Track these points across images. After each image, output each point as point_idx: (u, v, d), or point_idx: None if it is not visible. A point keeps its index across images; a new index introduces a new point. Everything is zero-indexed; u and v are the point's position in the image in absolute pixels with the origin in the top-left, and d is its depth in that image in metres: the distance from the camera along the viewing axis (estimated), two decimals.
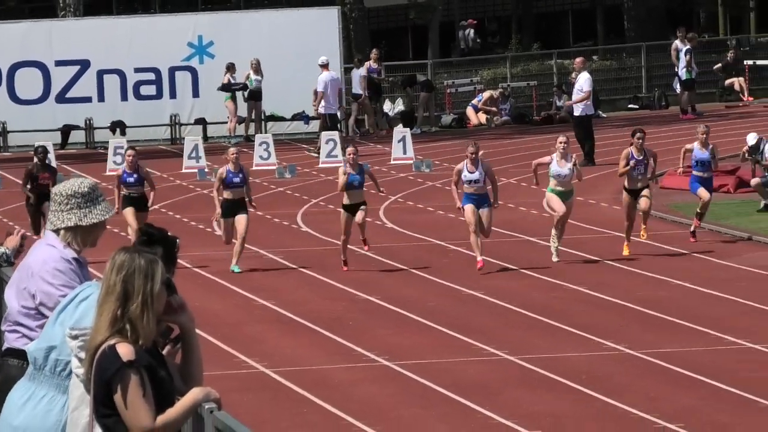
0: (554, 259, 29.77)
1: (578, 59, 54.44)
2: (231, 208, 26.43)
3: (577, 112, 51.87)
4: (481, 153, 27.43)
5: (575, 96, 52.00)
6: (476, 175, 26.26)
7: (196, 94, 65.33)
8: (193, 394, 7.42)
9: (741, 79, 70.01)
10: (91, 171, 48.87)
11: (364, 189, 28.74)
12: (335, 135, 56.05)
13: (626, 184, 29.83)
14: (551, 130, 60.72)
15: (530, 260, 33.81)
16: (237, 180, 26.28)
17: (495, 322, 27.91)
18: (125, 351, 6.76)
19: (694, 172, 30.06)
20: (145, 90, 65.58)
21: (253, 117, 62.79)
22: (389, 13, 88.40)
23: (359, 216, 28.26)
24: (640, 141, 28.49)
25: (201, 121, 64.21)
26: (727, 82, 70.58)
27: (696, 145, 28.69)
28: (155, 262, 7.22)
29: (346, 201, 27.05)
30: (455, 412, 21.76)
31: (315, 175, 50.65)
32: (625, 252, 30.29)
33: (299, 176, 51.72)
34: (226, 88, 62.65)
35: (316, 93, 59.25)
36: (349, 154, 27.26)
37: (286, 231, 39.68)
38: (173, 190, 50.36)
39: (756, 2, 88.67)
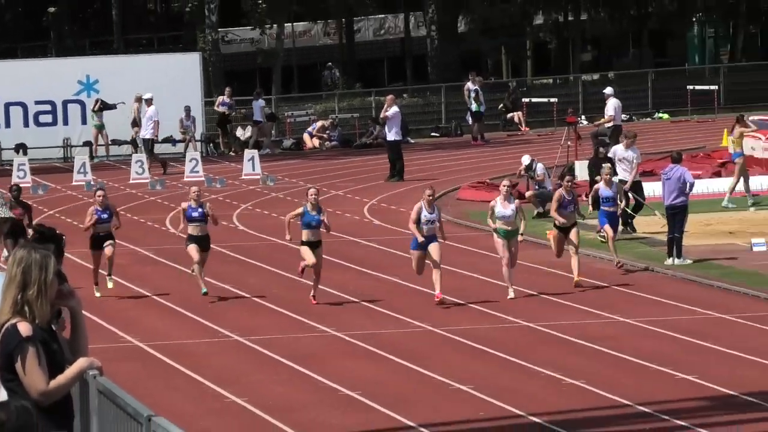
0: (510, 295, 27.17)
1: (389, 96, 54.97)
2: (195, 239, 24.34)
3: (390, 138, 52.45)
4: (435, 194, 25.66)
5: (387, 126, 52.90)
6: (434, 216, 24.20)
7: (84, 122, 66.60)
8: (80, 363, 7.58)
9: (519, 113, 73.49)
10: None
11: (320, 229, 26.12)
12: (197, 155, 57.06)
13: (557, 222, 29.23)
14: (370, 153, 64.51)
15: (352, 256, 34.04)
16: (195, 215, 23.80)
17: (327, 306, 28.05)
18: (24, 328, 7.02)
19: (603, 208, 29.42)
20: (43, 118, 66.92)
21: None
22: (241, 58, 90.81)
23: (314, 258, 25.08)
24: (569, 183, 27.41)
25: (88, 144, 65.31)
26: (509, 115, 73.89)
27: (601, 184, 27.62)
28: (48, 256, 7.39)
29: (304, 238, 24.08)
30: (293, 377, 21.87)
31: (180, 187, 50.70)
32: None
33: (167, 188, 52.34)
34: (103, 107, 63.87)
35: (135, 122, 62.54)
36: (311, 195, 23.85)
37: (156, 232, 39.87)
38: (64, 198, 51.00)
39: (532, 52, 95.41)
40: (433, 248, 24.67)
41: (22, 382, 7.15)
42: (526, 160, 40.38)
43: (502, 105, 75.66)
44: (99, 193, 24.75)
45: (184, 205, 23.86)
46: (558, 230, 28.18)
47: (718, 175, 46.49)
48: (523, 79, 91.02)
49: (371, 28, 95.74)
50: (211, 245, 25.98)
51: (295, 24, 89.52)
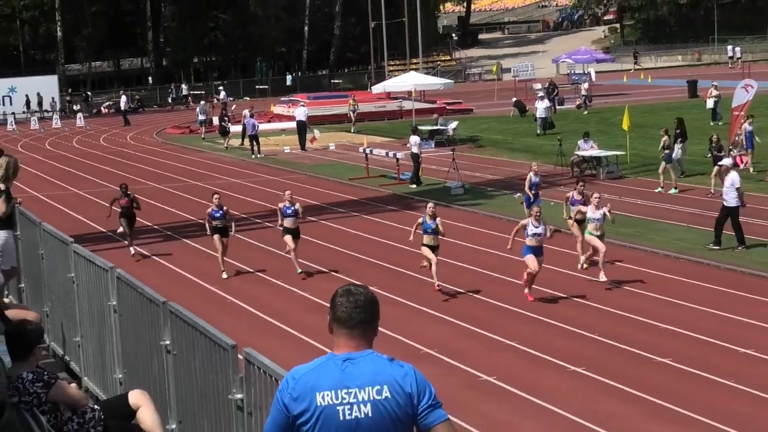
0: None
1: None
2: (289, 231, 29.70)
3: None
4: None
5: None
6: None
7: None
8: None
9: None
10: None
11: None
12: None
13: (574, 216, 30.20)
14: None
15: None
16: (289, 212, 29.43)
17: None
18: None
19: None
20: None
21: None
22: None
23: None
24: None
25: None
26: None
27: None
28: None
29: (424, 242, 27.75)
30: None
31: None
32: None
33: None
34: None
35: None
36: (429, 208, 27.75)
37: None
38: None
39: None
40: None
41: None
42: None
43: None
44: (216, 196, 29.95)
45: (281, 205, 29.63)
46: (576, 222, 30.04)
47: None
48: None
49: None
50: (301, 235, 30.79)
51: None
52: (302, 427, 6.42)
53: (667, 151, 44.08)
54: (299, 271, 30.16)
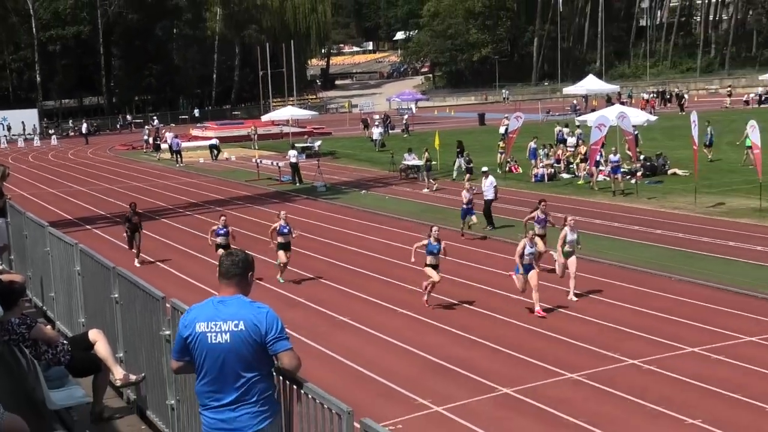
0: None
1: None
2: (283, 246, 25.85)
3: None
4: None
5: None
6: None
7: None
8: None
9: None
10: None
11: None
12: None
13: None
14: None
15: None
16: (285, 230, 25.60)
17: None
18: None
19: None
20: None
21: None
22: None
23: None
24: (544, 206, 24.60)
25: None
26: None
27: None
28: None
29: (428, 262, 22.74)
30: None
31: None
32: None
33: None
34: None
35: None
36: (434, 231, 22.72)
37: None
38: None
39: None
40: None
41: None
42: None
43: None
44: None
45: (275, 225, 25.67)
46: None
47: None
48: None
49: None
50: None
51: None
52: (189, 346, 6.64)
53: (433, 162, 46.61)
54: (281, 281, 26.20)
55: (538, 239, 22.26)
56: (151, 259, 29.35)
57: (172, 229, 36.02)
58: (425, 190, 44.02)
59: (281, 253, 25.69)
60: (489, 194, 33.31)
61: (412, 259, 23.26)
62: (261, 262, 23.54)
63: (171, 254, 30.82)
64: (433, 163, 46.83)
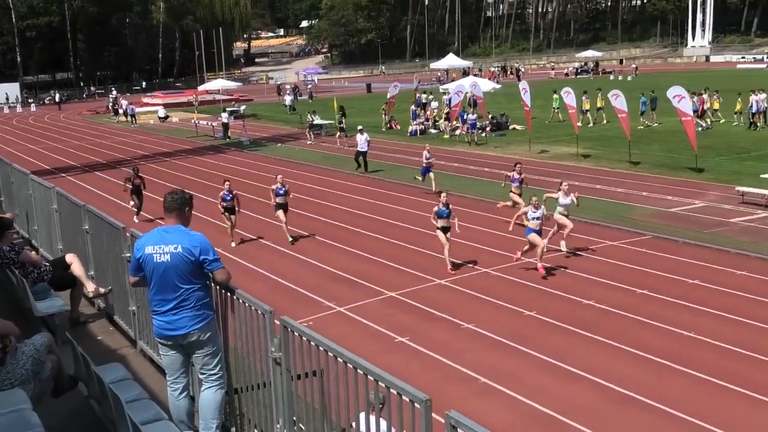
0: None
1: None
2: (280, 206, 21.80)
3: None
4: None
5: None
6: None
7: None
8: None
9: None
10: None
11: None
12: None
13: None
14: None
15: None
16: (281, 191, 21.66)
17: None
18: None
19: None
20: None
21: None
22: None
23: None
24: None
25: None
26: None
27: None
28: None
29: (439, 225, 18.64)
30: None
31: None
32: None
33: None
34: None
35: None
36: (443, 197, 18.85)
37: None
38: None
39: None
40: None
41: None
42: None
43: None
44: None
45: (273, 186, 21.87)
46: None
47: None
48: None
49: None
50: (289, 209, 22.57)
51: None
52: (141, 265, 6.61)
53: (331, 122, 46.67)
54: (290, 239, 22.09)
55: (542, 205, 18.49)
56: (151, 217, 25.01)
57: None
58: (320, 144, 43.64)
59: (279, 213, 22.02)
60: (363, 147, 32.75)
61: (435, 223, 18.84)
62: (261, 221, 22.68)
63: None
64: (331, 123, 46.64)
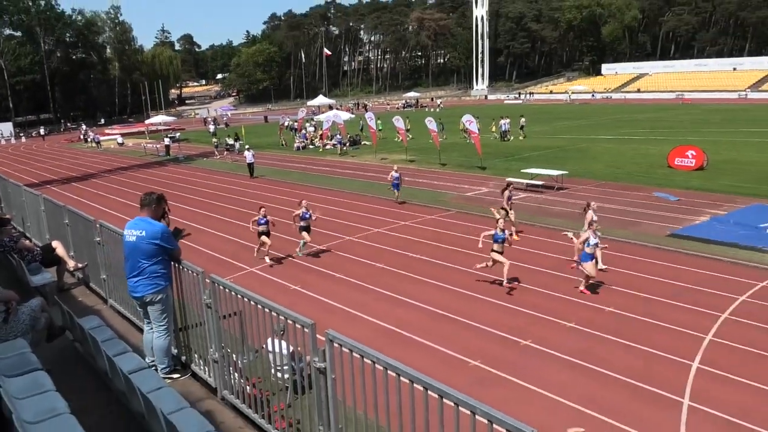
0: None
1: None
2: (305, 228, 16.55)
3: None
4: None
5: None
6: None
7: None
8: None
9: None
10: None
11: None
12: None
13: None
14: None
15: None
16: (307, 216, 16.53)
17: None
18: None
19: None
20: None
21: None
22: None
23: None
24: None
25: None
26: None
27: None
28: None
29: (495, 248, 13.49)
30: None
31: None
32: None
33: None
34: None
35: None
36: (500, 221, 13.67)
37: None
38: None
39: None
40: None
41: None
42: None
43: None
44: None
45: (298, 211, 16.59)
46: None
47: None
48: None
49: None
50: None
51: None
52: (124, 244, 6.37)
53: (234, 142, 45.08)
54: (300, 253, 16.98)
55: (595, 234, 13.01)
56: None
57: (100, 186, 33.07)
58: (225, 159, 42.11)
59: (304, 233, 16.91)
60: (250, 160, 31.45)
61: (480, 245, 13.91)
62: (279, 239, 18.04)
63: (102, 200, 28.30)
64: (240, 143, 45.36)
